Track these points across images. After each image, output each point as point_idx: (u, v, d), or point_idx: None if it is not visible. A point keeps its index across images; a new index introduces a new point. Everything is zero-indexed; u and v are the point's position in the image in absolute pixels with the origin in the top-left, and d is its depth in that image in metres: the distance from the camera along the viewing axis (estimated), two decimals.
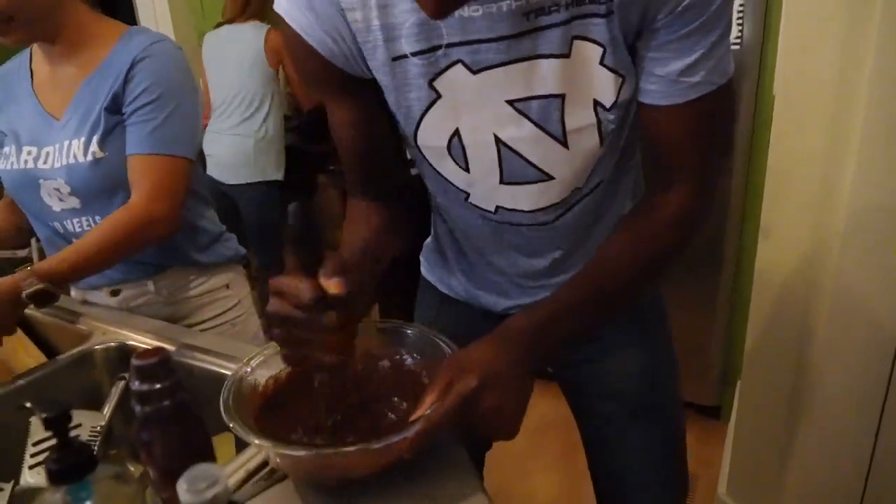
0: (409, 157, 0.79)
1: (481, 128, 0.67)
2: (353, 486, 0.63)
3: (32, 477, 0.78)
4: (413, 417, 0.59)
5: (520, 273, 0.84)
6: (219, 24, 2.49)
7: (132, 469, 0.97)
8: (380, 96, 0.70)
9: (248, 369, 0.70)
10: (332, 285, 0.57)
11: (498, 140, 0.67)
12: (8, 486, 0.80)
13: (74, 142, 1.04)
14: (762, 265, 1.39)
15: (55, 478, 0.43)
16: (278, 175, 2.56)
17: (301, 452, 0.59)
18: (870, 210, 1.11)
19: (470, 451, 0.69)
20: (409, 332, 0.75)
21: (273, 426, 0.67)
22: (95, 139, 1.04)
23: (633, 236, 0.71)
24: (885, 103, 1.05)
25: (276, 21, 2.55)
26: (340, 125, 0.74)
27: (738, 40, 1.66)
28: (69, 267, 0.99)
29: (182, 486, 0.42)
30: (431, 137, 0.69)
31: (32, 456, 0.79)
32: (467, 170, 0.71)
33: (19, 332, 1.13)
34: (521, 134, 0.66)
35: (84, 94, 1.06)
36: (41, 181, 1.07)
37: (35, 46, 1.11)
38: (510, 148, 0.68)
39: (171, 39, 1.09)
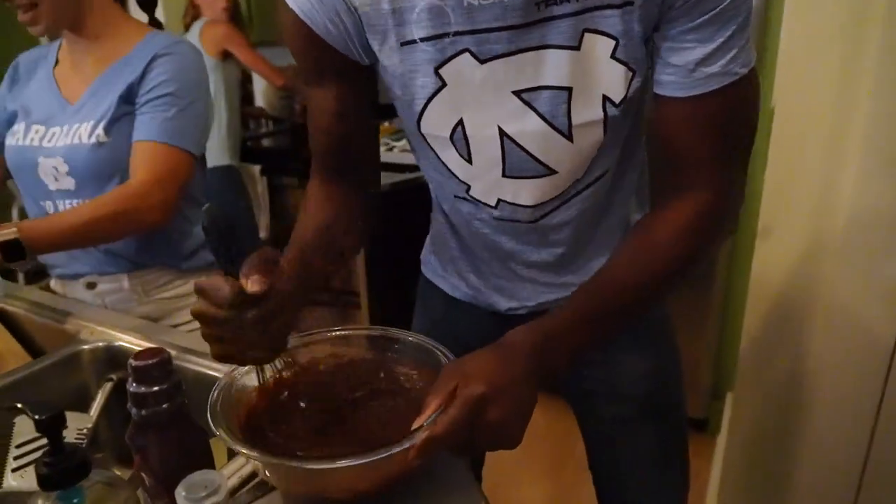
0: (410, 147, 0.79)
1: (486, 120, 0.66)
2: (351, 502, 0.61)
3: (16, 480, 0.75)
4: (416, 424, 0.57)
5: (524, 270, 0.82)
6: None
7: (119, 473, 0.94)
8: (367, 85, 0.70)
9: (238, 374, 0.68)
10: (250, 283, 0.57)
11: (502, 133, 0.66)
12: None
13: (83, 125, 1.06)
14: (757, 277, 1.39)
15: (46, 483, 0.42)
16: (224, 161, 2.63)
17: (295, 465, 0.56)
18: (866, 224, 1.11)
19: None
20: (408, 339, 0.73)
21: (263, 436, 0.64)
22: (102, 124, 1.05)
23: (642, 249, 0.69)
24: (884, 116, 1.06)
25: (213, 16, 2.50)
26: (323, 112, 0.73)
27: None
28: (51, 228, 0.99)
29: (181, 494, 0.40)
30: (435, 126, 0.68)
31: (16, 458, 0.77)
32: (470, 161, 0.70)
33: (3, 331, 1.10)
34: (526, 128, 0.65)
35: (100, 84, 1.08)
36: (41, 158, 1.08)
37: (65, 37, 1.13)
38: (514, 142, 0.67)
39: (190, 43, 1.13)
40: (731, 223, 0.71)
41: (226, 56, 2.57)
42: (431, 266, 0.96)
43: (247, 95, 3.23)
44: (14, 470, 0.76)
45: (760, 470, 1.44)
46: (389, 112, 0.77)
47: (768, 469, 1.42)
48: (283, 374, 0.71)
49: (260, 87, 3.40)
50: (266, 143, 3.25)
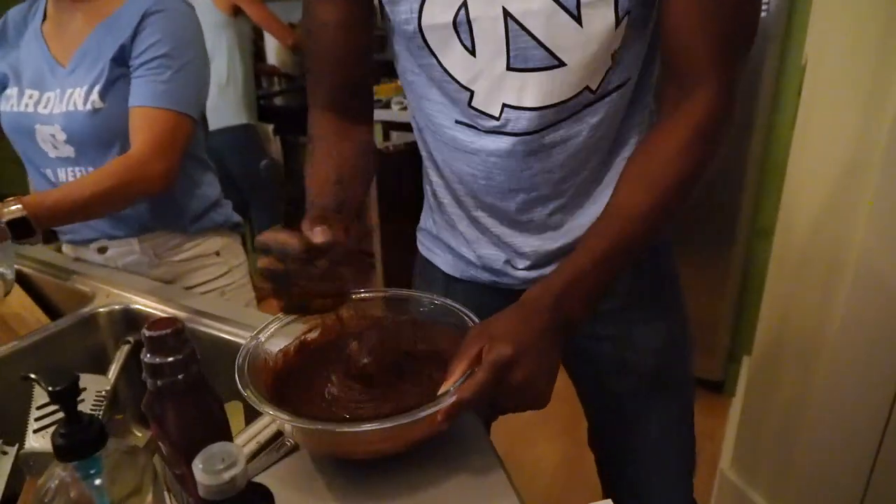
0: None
1: None
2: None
3: (37, 441, 0.76)
4: (443, 388, 0.58)
5: (522, 212, 0.78)
6: None
7: (139, 434, 0.96)
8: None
9: (263, 338, 0.68)
10: (316, 234, 0.59)
11: (507, 14, 0.63)
12: (12, 450, 0.78)
13: (77, 90, 1.04)
14: (781, 238, 1.36)
15: (63, 454, 0.41)
16: (242, 119, 2.59)
17: (321, 427, 0.56)
18: None
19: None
20: (431, 301, 0.74)
21: (289, 397, 0.65)
22: (97, 89, 1.02)
23: (648, 167, 0.66)
24: None
25: None
26: (324, 25, 0.73)
27: (766, 6, 1.60)
28: (57, 204, 0.97)
29: (198, 466, 0.40)
30: (437, 13, 0.66)
31: (37, 420, 0.77)
32: (473, 52, 0.67)
33: (21, 292, 1.11)
34: (531, 6, 0.62)
35: (91, 43, 1.05)
36: (37, 126, 1.06)
37: None
38: (519, 23, 0.64)
39: None
40: (726, 136, 0.68)
41: (237, 12, 2.50)
42: (427, 242, 0.95)
43: (258, 52, 3.16)
44: (35, 431, 0.77)
45: (775, 434, 1.44)
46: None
47: (783, 432, 1.41)
48: (308, 336, 0.72)
49: (272, 43, 3.33)
50: (279, 101, 3.21)
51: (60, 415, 0.78)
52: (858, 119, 1.12)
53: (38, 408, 0.79)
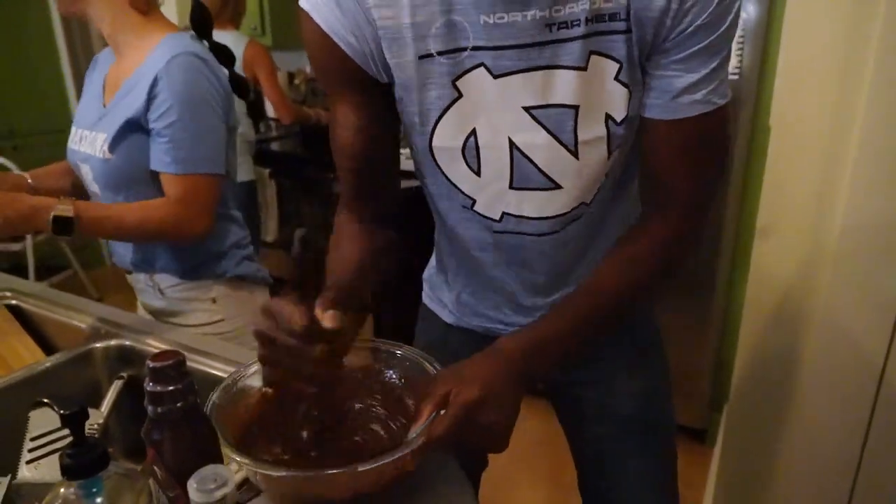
0: (414, 167, 0.81)
1: (497, 130, 0.69)
2: None
3: (29, 471, 0.78)
4: (412, 430, 0.60)
5: (518, 290, 0.85)
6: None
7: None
8: (387, 102, 0.72)
9: (240, 376, 0.70)
10: (328, 318, 0.59)
11: (512, 144, 0.69)
12: (5, 480, 0.80)
13: (101, 135, 1.10)
14: (753, 291, 1.42)
15: (70, 472, 0.45)
16: (251, 176, 2.69)
17: (285, 473, 0.56)
18: (861, 242, 1.13)
19: (466, 469, 0.71)
20: (395, 351, 0.75)
21: (259, 441, 0.66)
22: (108, 142, 1.08)
23: (625, 258, 0.73)
24: (878, 132, 1.08)
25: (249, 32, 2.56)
26: (346, 127, 0.74)
27: (737, 70, 1.69)
28: (101, 221, 1.05)
29: (192, 486, 0.43)
30: (447, 137, 0.71)
31: (30, 451, 0.80)
32: (478, 173, 0.72)
33: (17, 328, 1.14)
34: (534, 141, 0.68)
35: (120, 96, 1.11)
36: (78, 161, 1.16)
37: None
38: (523, 153, 0.70)
39: (188, 51, 1.06)
40: (698, 239, 0.75)
41: (257, 82, 2.58)
42: (430, 289, 0.99)
43: (258, 95, 3.24)
44: (28, 462, 0.79)
45: (753, 482, 1.46)
46: None
47: (761, 481, 1.43)
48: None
49: None
50: (276, 146, 3.28)
51: (53, 447, 0.80)
52: (818, 180, 1.20)
53: (32, 439, 0.81)
